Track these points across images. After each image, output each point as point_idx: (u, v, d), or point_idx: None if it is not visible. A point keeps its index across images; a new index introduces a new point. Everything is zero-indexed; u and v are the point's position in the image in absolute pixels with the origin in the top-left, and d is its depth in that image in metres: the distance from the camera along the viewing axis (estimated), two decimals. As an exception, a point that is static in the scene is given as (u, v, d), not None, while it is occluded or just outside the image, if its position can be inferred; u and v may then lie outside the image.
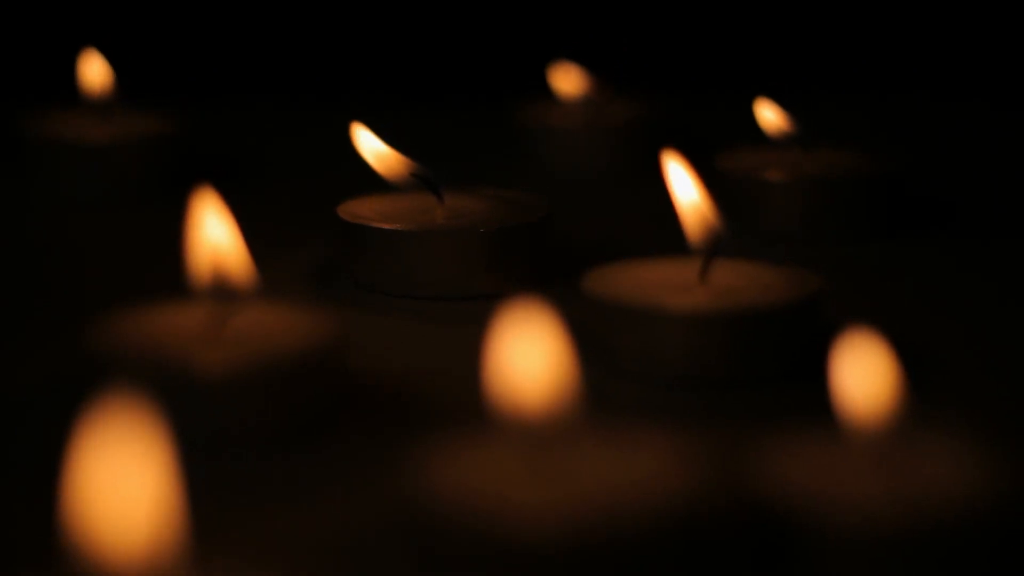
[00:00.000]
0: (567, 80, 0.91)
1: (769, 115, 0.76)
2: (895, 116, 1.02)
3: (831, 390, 0.44)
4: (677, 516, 0.41)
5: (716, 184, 0.72)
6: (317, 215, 0.70)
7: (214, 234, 0.53)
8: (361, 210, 0.67)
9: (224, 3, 1.11)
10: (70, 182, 0.82)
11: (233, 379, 0.49)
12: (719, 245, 0.58)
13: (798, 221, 0.73)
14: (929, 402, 0.45)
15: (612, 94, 0.91)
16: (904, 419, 0.43)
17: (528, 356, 0.43)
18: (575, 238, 0.72)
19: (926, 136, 0.96)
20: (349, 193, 0.69)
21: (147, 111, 0.86)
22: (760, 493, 0.42)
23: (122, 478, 0.36)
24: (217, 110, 1.00)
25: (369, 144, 0.68)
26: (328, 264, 0.69)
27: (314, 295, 0.66)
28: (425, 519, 0.41)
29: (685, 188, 0.60)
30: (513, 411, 0.43)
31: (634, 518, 0.40)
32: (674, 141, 0.74)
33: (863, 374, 0.44)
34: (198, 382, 0.49)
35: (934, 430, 0.44)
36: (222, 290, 0.52)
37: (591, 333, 0.57)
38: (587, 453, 0.43)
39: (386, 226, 0.65)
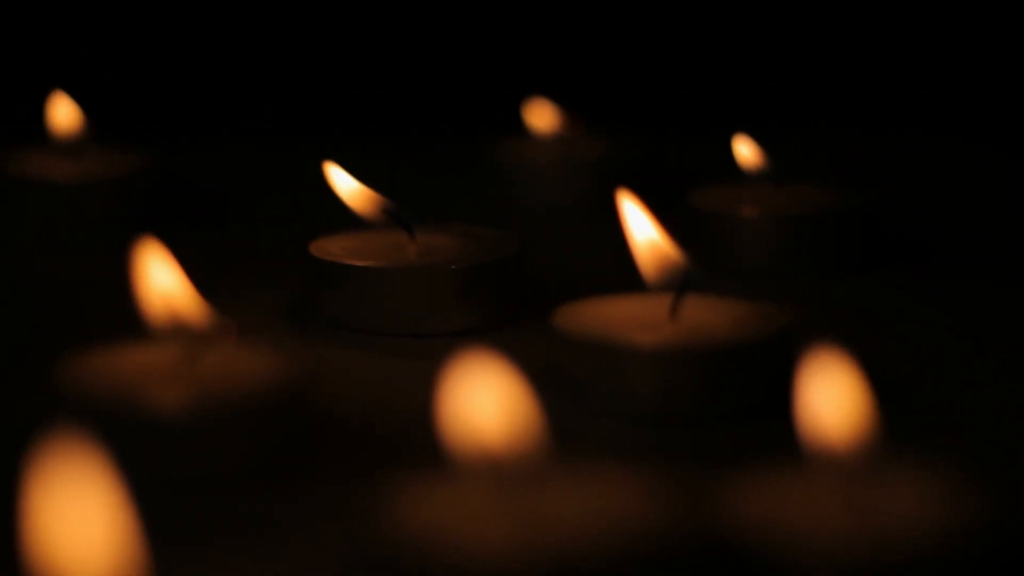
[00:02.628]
0: (540, 116, 0.92)
1: (745, 151, 0.76)
2: (869, 153, 1.02)
3: (798, 416, 0.44)
4: (645, 553, 0.41)
5: (688, 219, 0.73)
6: (289, 252, 0.70)
7: (161, 281, 0.53)
8: (333, 247, 0.67)
9: (196, 42, 1.12)
10: (39, 221, 0.82)
11: (200, 419, 0.49)
12: (687, 281, 0.58)
13: (770, 257, 0.74)
14: (895, 436, 0.45)
15: (584, 130, 0.92)
16: (871, 452, 0.44)
17: (488, 398, 0.43)
18: (547, 274, 0.72)
19: (902, 173, 0.97)
20: (322, 230, 0.69)
21: (117, 150, 0.86)
22: (729, 529, 0.42)
23: (78, 521, 0.36)
24: (188, 148, 1.00)
25: (342, 181, 0.68)
26: (300, 301, 0.69)
27: (286, 332, 0.66)
28: (393, 557, 0.41)
29: (641, 228, 0.60)
30: (477, 451, 0.43)
31: (603, 555, 0.40)
32: (646, 177, 0.74)
33: (833, 399, 0.44)
34: (165, 422, 0.49)
35: (901, 465, 0.44)
36: (180, 333, 0.53)
37: (561, 369, 0.57)
38: (556, 490, 0.43)
39: (358, 263, 0.65)
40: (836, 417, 0.44)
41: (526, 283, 0.67)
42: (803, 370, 0.45)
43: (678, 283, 0.58)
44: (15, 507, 0.38)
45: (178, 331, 0.53)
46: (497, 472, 0.43)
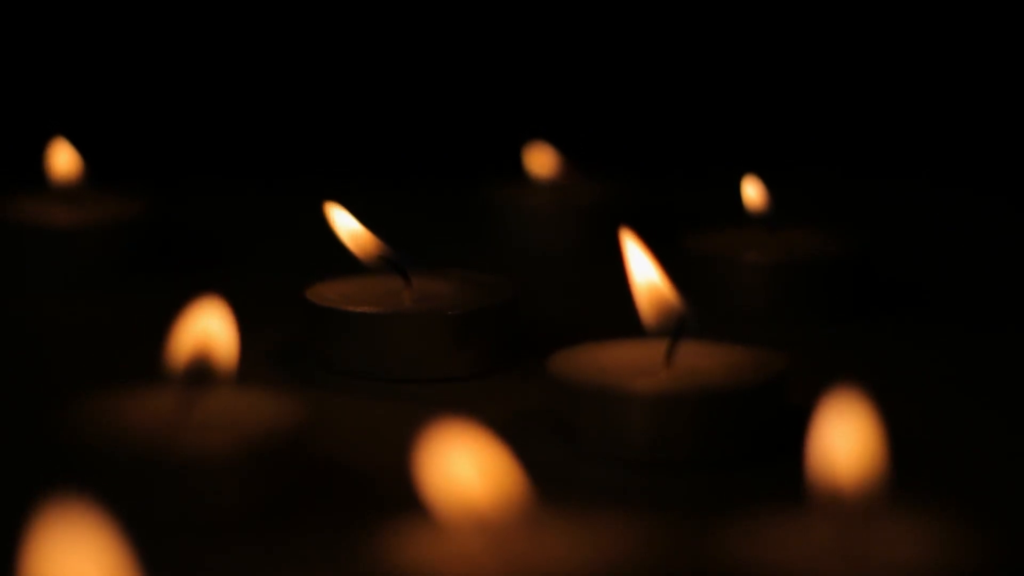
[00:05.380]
0: (539, 161, 0.92)
1: (752, 193, 0.76)
2: (867, 198, 1.02)
3: (810, 458, 0.44)
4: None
5: (684, 264, 0.73)
6: (285, 297, 0.70)
7: (207, 322, 0.54)
8: (329, 292, 0.67)
9: (195, 86, 1.12)
10: (37, 266, 0.82)
11: (202, 463, 0.49)
12: (684, 326, 0.58)
13: (766, 302, 0.74)
14: (894, 483, 0.45)
15: (582, 175, 0.92)
16: (869, 499, 0.43)
17: (464, 463, 0.43)
18: (544, 319, 0.72)
19: (899, 219, 0.97)
20: (317, 275, 0.69)
21: (116, 195, 0.86)
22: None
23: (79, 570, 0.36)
24: (186, 193, 1.00)
25: (343, 222, 0.68)
26: (296, 346, 0.69)
27: (282, 377, 0.66)
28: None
29: (643, 270, 0.60)
30: (462, 510, 0.43)
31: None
32: (643, 222, 0.74)
33: (847, 442, 0.44)
34: (167, 466, 0.49)
35: (898, 512, 0.44)
36: (199, 374, 0.53)
37: (556, 415, 0.57)
38: (549, 535, 0.43)
39: (354, 308, 0.65)
40: (848, 461, 0.44)
41: (522, 328, 0.67)
42: (819, 412, 0.45)
43: (674, 328, 0.58)
44: (17, 556, 0.39)
45: (196, 372, 0.53)
46: (484, 528, 0.43)
